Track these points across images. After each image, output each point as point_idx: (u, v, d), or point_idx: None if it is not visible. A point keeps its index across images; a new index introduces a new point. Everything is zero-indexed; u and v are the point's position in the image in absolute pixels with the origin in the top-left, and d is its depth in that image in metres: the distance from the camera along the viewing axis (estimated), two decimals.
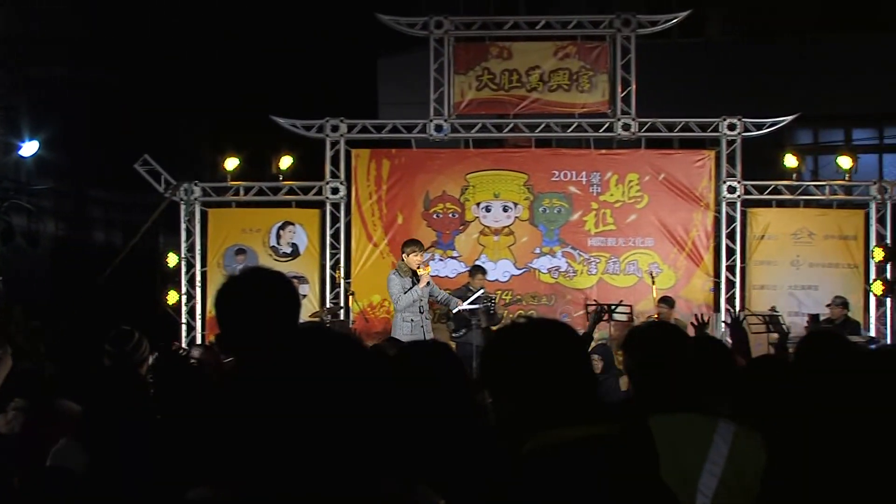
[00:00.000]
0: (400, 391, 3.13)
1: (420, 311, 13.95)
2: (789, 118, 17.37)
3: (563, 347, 3.03)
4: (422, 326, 13.92)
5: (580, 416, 2.90)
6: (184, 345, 17.35)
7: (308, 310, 16.37)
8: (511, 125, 17.68)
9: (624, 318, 15.94)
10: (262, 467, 2.20)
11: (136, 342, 7.29)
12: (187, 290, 17.91)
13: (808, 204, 17.58)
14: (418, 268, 13.91)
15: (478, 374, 3.23)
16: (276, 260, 17.46)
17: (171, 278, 17.88)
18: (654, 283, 16.69)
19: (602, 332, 16.59)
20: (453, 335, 15.46)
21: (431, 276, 16.24)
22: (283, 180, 17.83)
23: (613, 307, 15.81)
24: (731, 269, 17.38)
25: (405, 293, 13.85)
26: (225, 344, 3.79)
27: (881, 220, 17.30)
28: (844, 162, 17.58)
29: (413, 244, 14.27)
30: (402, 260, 14.18)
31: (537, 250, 17.49)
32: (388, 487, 2.28)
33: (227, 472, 2.45)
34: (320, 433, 2.18)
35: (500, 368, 3.05)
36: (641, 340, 4.82)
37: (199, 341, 17.51)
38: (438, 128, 17.49)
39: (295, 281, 16.53)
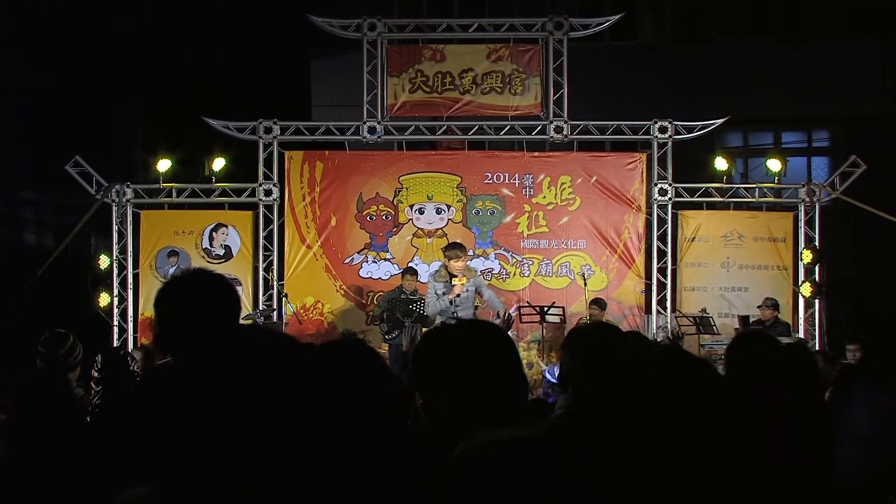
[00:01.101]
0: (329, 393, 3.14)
1: (453, 316, 13.53)
2: (719, 121, 17.52)
3: (492, 349, 3.05)
4: None
5: (510, 417, 2.92)
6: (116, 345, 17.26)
7: (241, 312, 16.24)
8: (444, 127, 17.70)
9: (556, 319, 16.04)
10: (199, 466, 2.20)
11: (70, 346, 7.22)
12: (119, 292, 17.75)
13: (738, 206, 17.76)
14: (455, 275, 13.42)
15: (409, 376, 3.23)
16: (208, 262, 17.32)
17: (103, 280, 17.69)
18: (586, 284, 16.77)
19: (535, 334, 16.70)
20: (386, 337, 15.50)
21: (371, 279, 16.46)
22: (216, 182, 17.73)
23: (546, 309, 15.91)
24: (662, 270, 17.51)
25: (435, 300, 13.62)
26: (164, 344, 3.82)
27: (809, 223, 17.51)
28: (774, 165, 17.76)
29: (454, 248, 13.69)
30: (444, 264, 13.72)
31: (470, 252, 17.49)
32: None
33: (165, 472, 2.46)
34: (255, 432, 2.19)
35: (430, 370, 3.07)
36: (584, 342, 4.85)
37: (131, 344, 17.41)
38: (372, 130, 17.47)
39: None
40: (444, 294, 13.47)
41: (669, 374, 2.34)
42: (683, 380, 2.32)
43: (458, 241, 15.15)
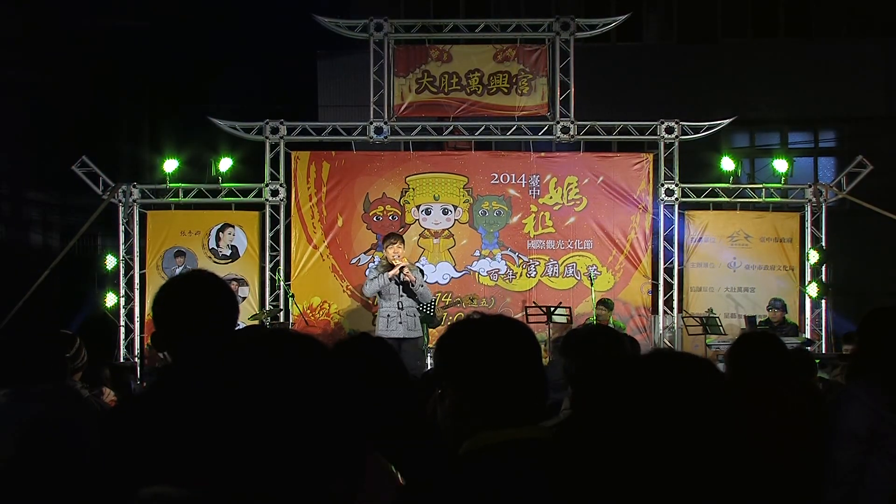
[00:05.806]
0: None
1: (399, 307, 13.75)
2: (726, 121, 17.50)
3: (518, 346, 3.03)
4: (400, 322, 13.72)
5: (524, 417, 2.91)
6: (123, 347, 17.31)
7: (248, 312, 16.29)
8: (451, 128, 17.66)
9: (563, 320, 16.02)
10: (216, 467, 2.20)
11: (76, 348, 7.21)
12: (125, 292, 17.73)
13: (744, 206, 17.73)
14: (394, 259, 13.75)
15: (433, 367, 3.22)
16: (215, 262, 17.33)
17: (110, 281, 17.72)
18: (592, 285, 16.74)
19: (541, 335, 16.67)
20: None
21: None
22: (223, 182, 17.71)
23: (553, 309, 15.90)
24: (668, 271, 17.50)
25: (370, 280, 13.84)
26: (161, 344, 3.87)
27: (816, 223, 17.48)
28: (780, 165, 17.77)
29: (390, 237, 14.31)
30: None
31: (477, 253, 17.51)
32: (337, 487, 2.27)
33: (182, 474, 2.46)
34: (266, 432, 2.18)
35: (448, 362, 3.06)
36: (579, 344, 4.85)
37: (137, 344, 17.45)
38: (378, 130, 17.45)
39: (234, 283, 16.49)
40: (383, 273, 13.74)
41: (669, 375, 2.33)
42: (683, 382, 2.31)
43: (393, 232, 15.49)
